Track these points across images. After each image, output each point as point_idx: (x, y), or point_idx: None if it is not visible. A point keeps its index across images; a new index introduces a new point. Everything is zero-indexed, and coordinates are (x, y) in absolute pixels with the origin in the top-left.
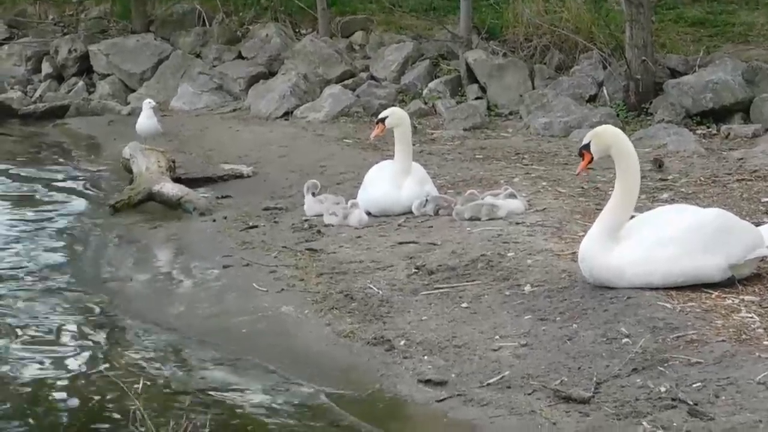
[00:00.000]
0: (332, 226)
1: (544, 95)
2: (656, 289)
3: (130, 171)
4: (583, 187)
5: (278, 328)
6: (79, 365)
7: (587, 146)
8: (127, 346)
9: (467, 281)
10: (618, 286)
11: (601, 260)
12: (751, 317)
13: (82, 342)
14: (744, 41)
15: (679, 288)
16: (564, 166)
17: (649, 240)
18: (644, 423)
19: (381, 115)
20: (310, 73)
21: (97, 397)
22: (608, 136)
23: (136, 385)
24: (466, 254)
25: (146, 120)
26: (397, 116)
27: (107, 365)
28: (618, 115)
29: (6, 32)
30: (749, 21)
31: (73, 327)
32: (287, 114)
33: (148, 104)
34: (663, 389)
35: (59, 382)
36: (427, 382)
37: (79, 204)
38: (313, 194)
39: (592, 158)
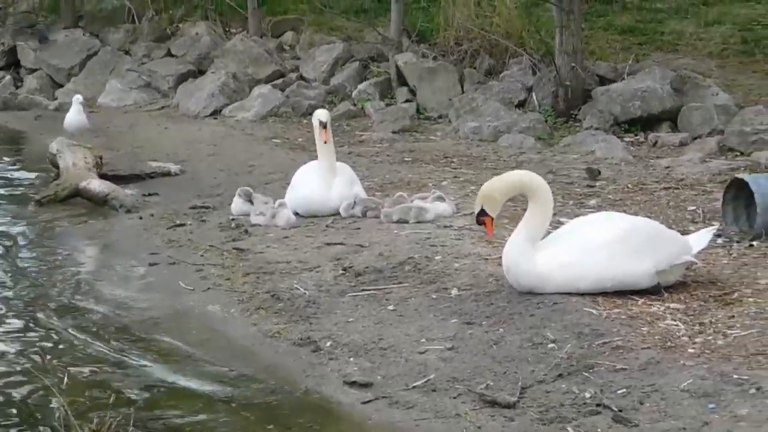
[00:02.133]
0: (259, 225)
1: (474, 99)
2: (583, 294)
3: (57, 166)
4: None
5: (204, 326)
6: (1, 362)
7: (482, 212)
8: (50, 343)
9: (394, 284)
10: (545, 291)
11: (527, 266)
12: (676, 325)
13: (3, 338)
14: (673, 50)
15: (606, 294)
16: (493, 170)
17: (579, 245)
18: (569, 428)
19: (324, 119)
20: (239, 73)
21: (20, 394)
22: (496, 191)
23: (59, 382)
24: (393, 257)
25: (75, 116)
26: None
27: (29, 362)
28: (546, 121)
29: None
30: (678, 30)
31: None
32: (216, 113)
33: (77, 99)
34: (588, 395)
35: None
36: (353, 383)
37: (3, 198)
38: (250, 201)
39: (493, 218)
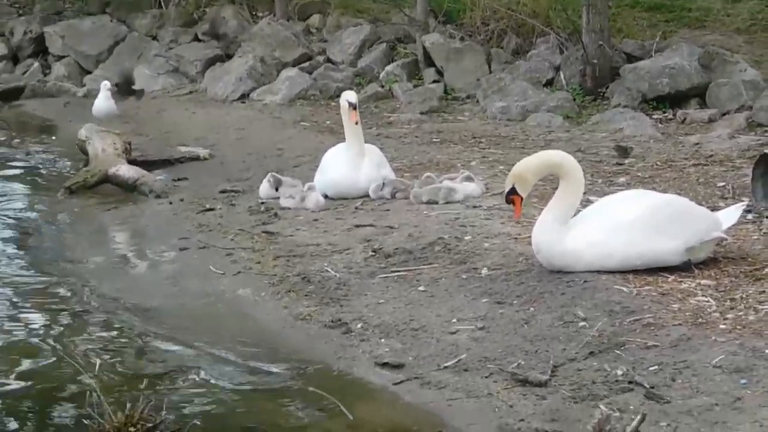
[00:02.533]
0: (289, 209)
1: (501, 79)
2: (613, 272)
3: (86, 153)
4: None
5: (235, 311)
6: (36, 347)
7: (512, 190)
8: (83, 328)
9: (424, 264)
10: (575, 270)
11: (557, 246)
12: (707, 301)
13: (38, 323)
14: (700, 26)
15: (636, 272)
16: (521, 150)
17: (608, 223)
18: (601, 406)
19: (353, 100)
20: (266, 56)
21: (53, 379)
22: (528, 170)
23: (92, 367)
24: (423, 237)
25: (103, 102)
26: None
27: (63, 347)
28: (575, 100)
29: None
30: (705, 6)
31: (29, 309)
32: (244, 97)
33: (105, 86)
34: (619, 372)
35: (14, 365)
36: (385, 365)
37: (34, 185)
38: (276, 189)
39: (522, 198)
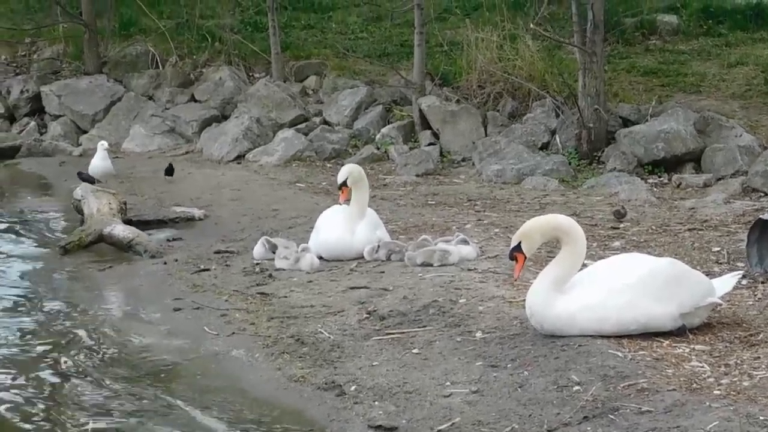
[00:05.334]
0: (283, 269)
1: (497, 142)
2: (607, 337)
3: (81, 212)
4: None
5: (228, 372)
6: (27, 409)
7: (517, 247)
8: (76, 388)
9: (419, 327)
10: (569, 334)
11: (550, 310)
12: (702, 366)
13: (28, 384)
14: (696, 91)
15: (631, 336)
16: (516, 213)
17: (602, 288)
18: None
19: (340, 180)
20: (263, 117)
21: None
22: (537, 230)
23: (86, 428)
24: (417, 300)
25: (101, 162)
26: (356, 174)
27: (54, 408)
28: (570, 163)
29: None
30: (701, 71)
31: (19, 370)
32: (240, 157)
33: (102, 146)
34: None
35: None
36: (378, 428)
37: (29, 245)
38: (273, 252)
39: (526, 258)
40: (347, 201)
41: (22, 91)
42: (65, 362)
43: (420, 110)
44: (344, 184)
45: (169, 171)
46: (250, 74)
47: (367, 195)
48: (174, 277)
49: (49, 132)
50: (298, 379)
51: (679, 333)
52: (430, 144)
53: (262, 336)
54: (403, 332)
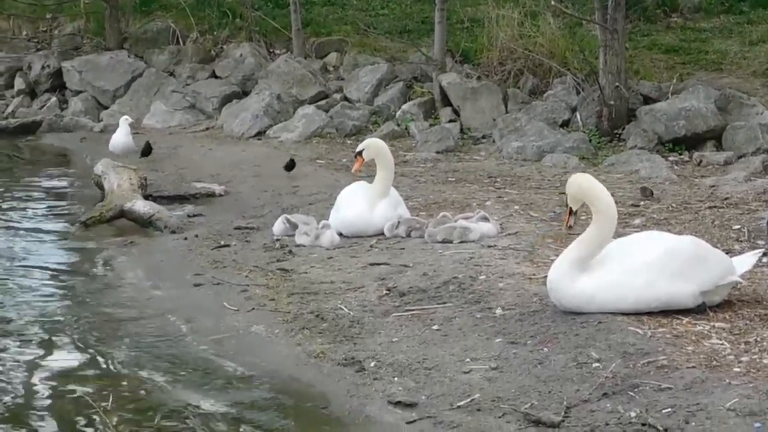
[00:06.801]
0: (304, 246)
1: (518, 119)
2: (627, 314)
3: (102, 188)
4: (555, 212)
5: (248, 348)
6: (50, 383)
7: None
8: (96, 364)
9: (438, 303)
10: (588, 311)
11: (570, 289)
12: (722, 344)
13: (52, 358)
14: (717, 69)
15: (650, 314)
16: (536, 190)
17: (623, 266)
18: None
19: (357, 149)
20: (283, 94)
21: (66, 415)
22: (580, 186)
23: (105, 403)
24: (437, 276)
25: (122, 137)
26: (373, 148)
27: (77, 382)
28: (590, 141)
29: None
30: (722, 49)
31: (41, 343)
32: (260, 134)
33: (125, 121)
34: (633, 414)
35: (30, 401)
36: (397, 403)
37: (49, 220)
38: (294, 230)
39: (572, 210)
40: (360, 171)
41: (43, 67)
42: (86, 338)
43: (441, 87)
44: (360, 153)
45: (290, 166)
46: (271, 51)
47: (392, 175)
48: (194, 252)
49: (70, 108)
50: (317, 355)
51: (699, 311)
52: (450, 121)
53: (282, 312)
54: (423, 309)
